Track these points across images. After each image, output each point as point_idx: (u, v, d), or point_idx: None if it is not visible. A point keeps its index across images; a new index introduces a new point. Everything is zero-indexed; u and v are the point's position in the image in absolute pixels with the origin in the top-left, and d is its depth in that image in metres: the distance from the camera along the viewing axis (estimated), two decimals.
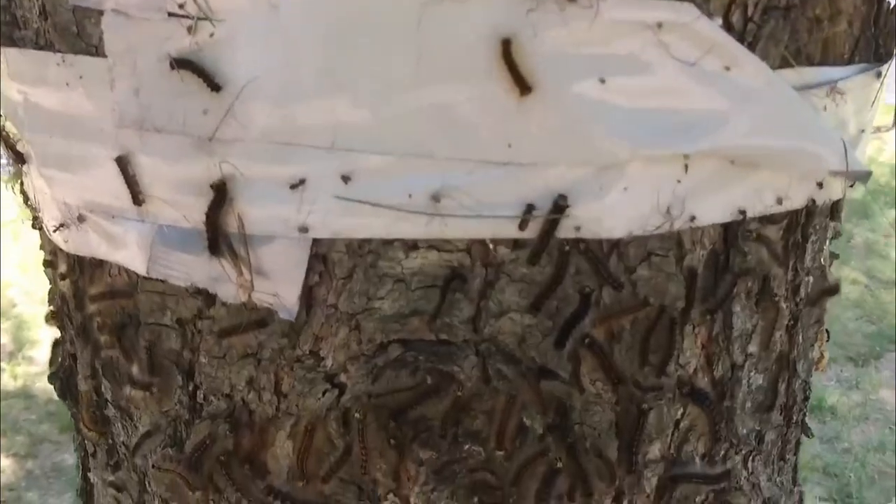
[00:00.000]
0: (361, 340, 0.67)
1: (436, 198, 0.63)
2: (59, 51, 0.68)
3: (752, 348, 0.78)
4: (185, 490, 0.75)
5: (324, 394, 0.69)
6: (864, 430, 3.20)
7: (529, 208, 0.64)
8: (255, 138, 0.63)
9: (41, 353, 3.79)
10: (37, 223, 0.84)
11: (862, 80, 0.75)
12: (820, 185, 0.75)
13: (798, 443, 0.94)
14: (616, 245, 0.67)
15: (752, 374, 0.80)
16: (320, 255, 0.66)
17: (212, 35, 0.61)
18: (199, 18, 0.61)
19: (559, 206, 0.63)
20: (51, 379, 0.93)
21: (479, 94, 0.61)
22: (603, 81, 0.61)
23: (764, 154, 0.68)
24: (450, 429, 0.69)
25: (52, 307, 0.88)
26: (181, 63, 0.62)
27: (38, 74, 0.69)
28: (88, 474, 0.92)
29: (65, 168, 0.71)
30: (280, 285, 0.66)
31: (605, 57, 0.61)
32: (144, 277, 0.70)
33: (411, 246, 0.65)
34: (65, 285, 0.80)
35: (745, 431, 0.81)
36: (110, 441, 0.84)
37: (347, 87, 0.61)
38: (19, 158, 0.75)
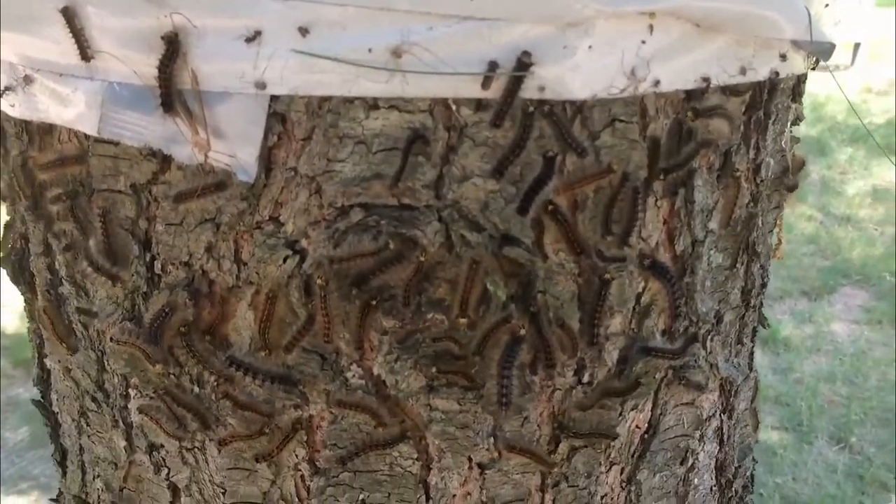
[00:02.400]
0: (322, 205, 0.66)
1: (396, 53, 0.61)
2: None
3: (713, 225, 0.78)
4: (145, 364, 0.74)
5: (284, 260, 0.67)
6: (815, 361, 3.27)
7: (492, 66, 0.62)
8: None
9: None
10: None
11: None
12: (783, 56, 0.74)
13: (755, 329, 0.95)
14: (580, 110, 0.66)
15: (712, 251, 0.80)
16: (279, 115, 0.64)
17: None
18: None
19: (523, 64, 0.62)
20: (3, 263, 0.91)
21: None
22: None
23: (727, 17, 0.67)
24: (413, 297, 0.68)
25: (2, 185, 0.85)
26: None
27: None
28: (45, 360, 0.91)
29: (8, 26, 0.68)
30: (237, 145, 0.64)
31: None
32: (96, 140, 0.68)
33: (372, 105, 0.64)
34: (14, 158, 0.77)
35: (704, 310, 0.81)
36: (66, 321, 0.82)
37: None
38: None
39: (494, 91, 0.63)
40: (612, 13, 0.62)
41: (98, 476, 0.87)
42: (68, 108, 0.67)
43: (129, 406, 0.80)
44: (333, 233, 0.66)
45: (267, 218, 0.67)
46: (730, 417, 0.93)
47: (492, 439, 0.76)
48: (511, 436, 0.76)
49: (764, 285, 0.92)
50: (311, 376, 0.72)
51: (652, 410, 0.83)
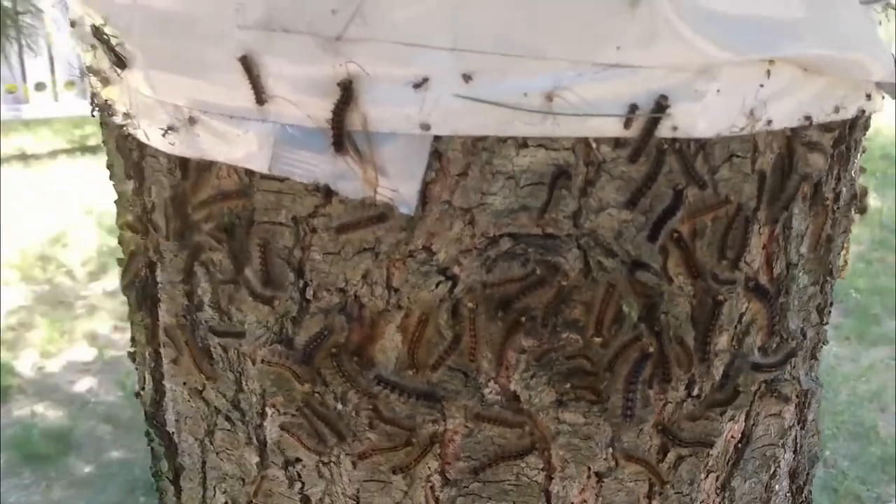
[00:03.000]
0: (474, 234, 0.72)
1: (548, 97, 0.68)
2: None
3: (804, 249, 0.86)
4: (294, 383, 0.79)
5: (437, 285, 0.73)
6: None
7: (633, 108, 0.69)
8: (381, 38, 0.67)
9: None
10: (116, 130, 0.87)
11: None
12: (868, 96, 0.82)
13: (823, 343, 1.02)
14: (703, 146, 0.73)
15: (801, 273, 0.87)
16: (437, 153, 0.70)
17: None
18: None
19: (661, 106, 0.69)
20: (125, 289, 0.96)
21: (595, 1, 0.66)
22: None
23: (831, 62, 0.75)
24: (551, 318, 0.75)
25: (128, 219, 0.91)
26: None
27: None
28: (163, 384, 0.96)
29: (177, 70, 0.74)
30: (400, 181, 0.70)
31: None
32: (262, 177, 0.74)
33: (522, 144, 0.70)
34: (161, 192, 0.83)
35: (793, 327, 0.88)
36: (200, 345, 0.87)
37: None
38: (120, 63, 0.77)
39: (633, 130, 0.70)
40: (738, 60, 0.70)
41: (224, 492, 0.92)
42: (237, 147, 0.73)
43: (264, 424, 0.85)
44: (485, 260, 0.72)
45: (420, 247, 0.73)
46: (802, 428, 1.00)
47: (610, 449, 0.82)
48: (628, 445, 0.82)
49: (831, 303, 0.99)
50: (453, 393, 0.78)
51: (745, 421, 0.89)
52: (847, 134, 0.85)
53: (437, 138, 0.70)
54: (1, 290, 4.07)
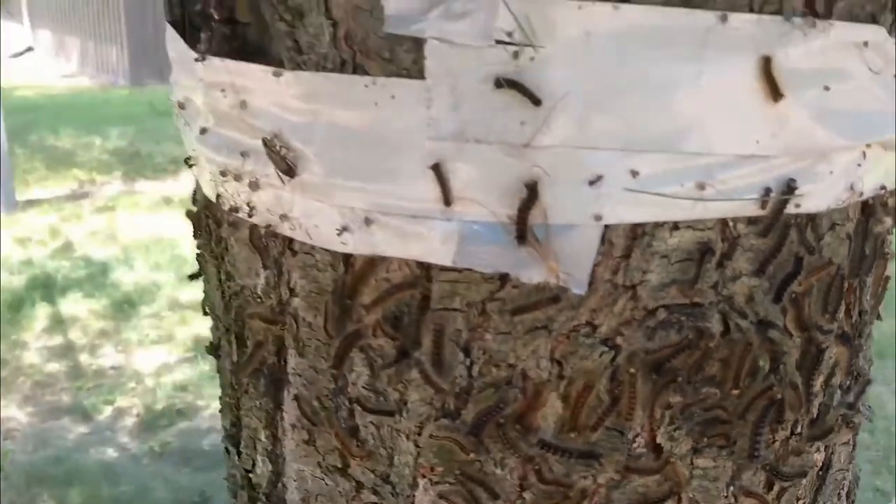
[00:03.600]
0: (636, 307, 0.82)
1: (700, 186, 0.79)
2: (369, 73, 0.78)
3: (869, 297, 0.99)
4: (459, 454, 0.86)
5: (601, 355, 0.82)
6: None
7: (767, 191, 0.81)
8: (563, 144, 0.76)
9: None
10: (249, 229, 0.93)
11: None
12: None
13: None
14: (812, 217, 0.85)
15: (867, 318, 1.00)
16: (604, 238, 0.80)
17: (532, 59, 0.74)
18: (523, 45, 0.74)
19: (790, 188, 0.81)
20: (249, 377, 1.01)
21: (740, 101, 0.77)
22: (827, 89, 0.79)
23: None
24: (694, 376, 0.85)
25: (259, 311, 0.96)
26: (509, 83, 0.74)
27: (341, 95, 0.79)
28: (290, 464, 1.00)
29: (359, 177, 0.80)
30: (573, 266, 0.79)
31: (827, 69, 0.79)
32: (441, 268, 0.81)
33: (674, 226, 0.80)
34: (304, 285, 0.89)
35: (862, 364, 1.01)
36: (343, 425, 0.92)
37: (638, 99, 0.76)
38: (290, 172, 0.83)
39: (767, 209, 0.81)
40: (847, 146, 0.82)
41: None
42: (417, 243, 0.80)
43: (415, 493, 0.92)
44: (646, 330, 0.82)
45: (584, 322, 0.82)
46: (854, 450, 1.13)
47: (731, 487, 0.92)
48: (745, 483, 0.93)
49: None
50: (609, 450, 0.86)
51: (825, 451, 1.01)
52: None
53: (605, 227, 0.79)
54: None
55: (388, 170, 0.79)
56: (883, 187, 0.90)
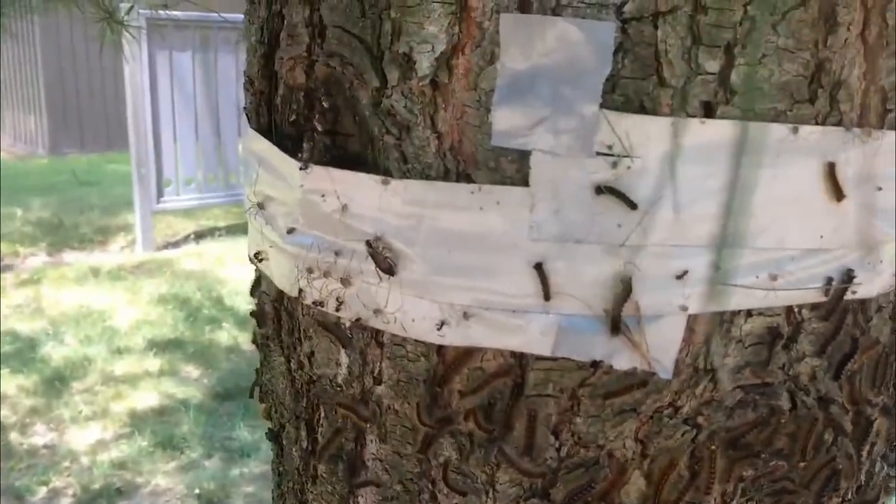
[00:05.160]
0: (715, 389, 0.89)
1: (773, 277, 0.87)
2: (475, 181, 0.85)
3: None
4: None
5: (683, 434, 0.89)
6: None
7: (829, 280, 0.89)
8: (654, 243, 0.84)
9: None
10: (334, 321, 0.98)
11: None
12: None
13: None
14: (863, 302, 0.94)
15: None
16: (686, 326, 0.87)
17: (629, 167, 0.82)
18: (622, 156, 0.82)
19: (849, 278, 0.89)
20: (328, 461, 1.05)
21: (808, 202, 0.86)
22: (880, 189, 0.88)
23: None
24: (764, 450, 0.92)
25: (341, 400, 1.01)
26: (609, 189, 0.82)
27: (447, 201, 0.85)
28: None
29: (462, 275, 0.87)
30: (661, 352, 0.86)
31: (880, 172, 0.88)
32: (537, 357, 0.87)
33: (748, 314, 0.88)
34: (391, 374, 0.94)
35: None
36: None
37: (722, 202, 0.84)
38: (389, 270, 0.89)
39: (827, 296, 0.90)
40: (893, 238, 0.91)
41: None
42: (517, 335, 0.87)
43: None
44: (725, 410, 0.89)
45: (667, 403, 0.89)
46: None
47: None
48: None
49: None
50: None
51: None
52: None
53: (690, 315, 0.86)
54: None
55: (490, 268, 0.86)
56: None
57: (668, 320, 0.86)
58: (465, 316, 0.88)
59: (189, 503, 3.68)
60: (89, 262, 6.98)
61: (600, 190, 0.82)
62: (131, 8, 3.67)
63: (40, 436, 4.28)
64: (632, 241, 0.83)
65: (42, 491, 3.80)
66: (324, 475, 1.07)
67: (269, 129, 1.01)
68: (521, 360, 0.89)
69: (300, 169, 0.93)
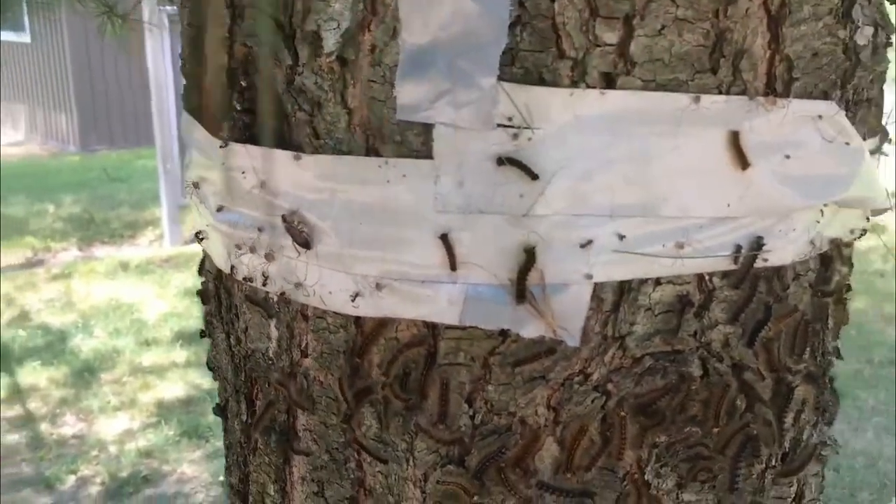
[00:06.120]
0: (624, 356, 0.90)
1: (679, 246, 0.88)
2: (382, 155, 0.86)
3: (830, 339, 1.09)
4: (464, 497, 0.94)
5: (593, 401, 0.91)
6: None
7: (738, 248, 0.90)
8: (557, 212, 0.85)
9: None
10: (262, 296, 1.00)
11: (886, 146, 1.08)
12: (867, 219, 1.07)
13: None
14: (778, 269, 0.95)
15: (830, 357, 1.10)
16: (594, 295, 0.88)
17: (529, 139, 0.83)
18: (522, 127, 0.83)
19: (759, 245, 0.90)
20: (262, 433, 1.07)
21: (713, 170, 0.87)
22: (787, 157, 0.89)
23: (857, 200, 0.99)
24: (677, 417, 0.93)
25: (270, 372, 1.03)
26: (510, 161, 0.83)
27: (356, 175, 0.87)
28: None
29: (372, 248, 0.88)
30: (568, 321, 0.88)
31: (788, 140, 0.89)
32: (447, 327, 0.89)
33: (657, 282, 0.90)
34: (315, 346, 0.96)
35: (828, 400, 1.10)
36: (351, 476, 1.00)
37: (624, 172, 0.85)
38: (306, 245, 0.91)
39: (738, 264, 0.91)
40: (808, 206, 0.92)
41: None
42: (426, 305, 0.89)
43: None
44: (634, 376, 0.91)
45: (577, 371, 0.91)
46: (822, 480, 1.22)
47: None
48: None
49: None
50: (602, 488, 0.94)
51: (797, 483, 1.10)
52: (851, 248, 1.09)
53: (596, 284, 0.88)
54: None
55: (399, 240, 0.88)
56: (838, 240, 1.00)
57: (574, 289, 0.87)
58: (378, 287, 0.90)
59: (214, 490, 3.74)
60: (119, 257, 7.07)
61: (502, 161, 0.84)
62: (139, 1, 3.71)
63: (70, 426, 4.38)
64: (534, 211, 0.85)
65: (71, 479, 3.88)
66: (261, 447, 1.09)
67: (199, 110, 1.03)
68: (433, 330, 0.91)
69: (220, 147, 0.95)
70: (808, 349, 1.03)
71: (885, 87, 1.07)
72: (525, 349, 0.89)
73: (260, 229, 0.96)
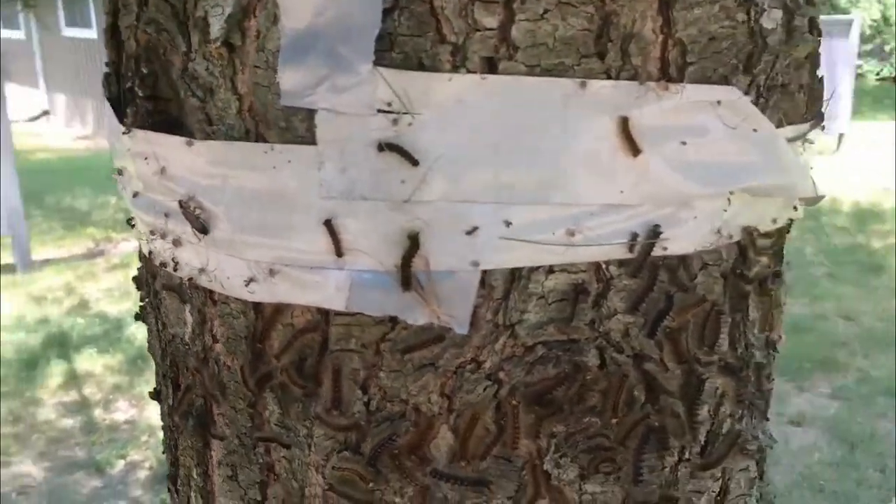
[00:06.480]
0: (516, 345, 0.89)
1: (571, 233, 0.87)
2: (268, 140, 0.87)
3: (756, 331, 1.06)
4: (360, 484, 0.94)
5: (485, 389, 0.90)
6: None
7: (634, 236, 0.89)
8: (441, 199, 0.84)
9: None
10: (177, 282, 1.01)
11: (813, 133, 1.05)
12: (795, 208, 1.04)
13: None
14: (683, 259, 0.93)
15: (756, 351, 1.07)
16: (483, 282, 0.88)
17: (410, 124, 0.83)
18: (402, 113, 0.83)
19: (655, 233, 0.89)
20: (180, 418, 1.09)
21: (603, 157, 0.86)
22: (684, 143, 0.88)
23: (772, 188, 0.96)
24: (575, 407, 0.92)
25: (187, 356, 1.04)
26: (390, 146, 0.83)
27: (245, 161, 0.88)
28: (218, 499, 1.08)
29: (262, 234, 0.89)
30: (455, 307, 0.87)
31: (684, 126, 0.88)
32: (336, 313, 0.89)
33: (549, 270, 0.88)
34: (223, 332, 0.97)
35: (753, 394, 1.08)
36: (260, 461, 1.00)
37: (510, 157, 0.84)
38: (203, 230, 0.92)
39: (635, 252, 0.89)
40: (709, 194, 0.90)
41: None
42: (314, 291, 0.89)
43: None
44: (525, 365, 0.90)
45: (469, 359, 0.90)
46: (761, 479, 1.20)
47: None
48: None
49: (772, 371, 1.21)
50: (498, 477, 0.94)
51: (721, 477, 1.08)
52: (780, 238, 1.07)
53: (484, 271, 0.87)
54: None
55: (287, 226, 0.88)
56: (756, 230, 0.98)
57: (460, 276, 0.87)
58: (271, 273, 0.90)
59: None
60: None
61: (382, 147, 0.83)
62: None
63: (122, 412, 4.52)
64: (417, 197, 0.84)
65: (120, 464, 4.01)
66: (184, 431, 1.10)
67: (118, 98, 1.04)
68: (325, 316, 0.91)
69: (123, 133, 0.96)
70: (726, 341, 1.01)
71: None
72: (414, 336, 0.89)
73: (166, 215, 0.97)
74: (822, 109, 1.12)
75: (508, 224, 0.86)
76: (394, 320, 0.89)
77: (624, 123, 0.85)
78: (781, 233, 1.05)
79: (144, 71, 0.95)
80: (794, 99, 1.00)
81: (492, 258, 0.86)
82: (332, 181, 0.85)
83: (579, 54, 0.84)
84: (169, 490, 1.21)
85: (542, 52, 0.83)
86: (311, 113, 0.85)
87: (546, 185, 0.85)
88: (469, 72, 0.83)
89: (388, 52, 0.82)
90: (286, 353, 0.93)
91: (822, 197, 1.07)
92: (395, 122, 0.83)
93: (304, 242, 0.88)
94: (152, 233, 1.01)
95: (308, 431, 0.96)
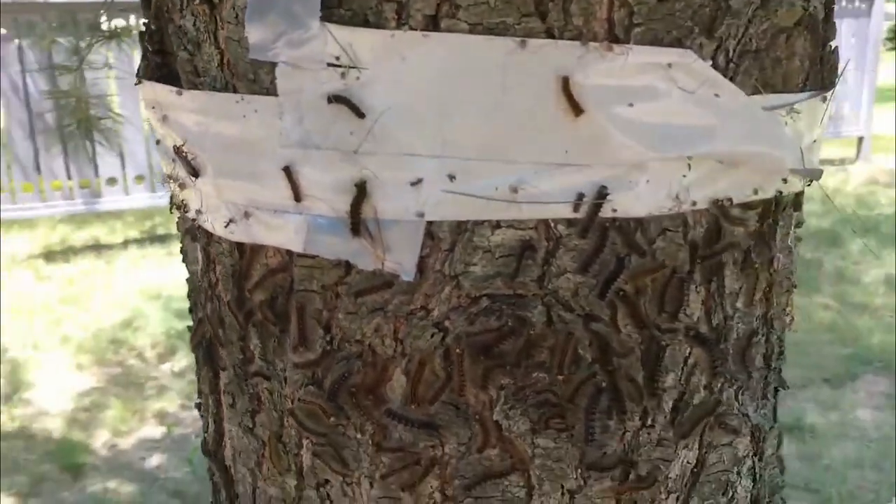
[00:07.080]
0: (461, 295, 0.93)
1: (514, 190, 0.90)
2: (239, 91, 0.95)
3: (739, 305, 1.05)
4: (323, 418, 1.00)
5: (432, 336, 0.94)
6: (843, 448, 3.41)
7: (580, 196, 0.90)
8: (387, 151, 0.89)
9: (37, 394, 4.12)
10: (189, 223, 1.11)
11: (811, 104, 1.02)
12: (785, 180, 1.02)
13: (777, 388, 1.20)
14: (641, 223, 0.94)
15: (739, 325, 1.06)
16: (430, 233, 0.92)
17: (357, 78, 0.88)
18: (349, 67, 0.88)
19: (602, 194, 0.90)
20: (194, 349, 1.19)
21: (545, 116, 0.88)
22: (631, 105, 0.88)
23: (743, 157, 0.95)
24: (523, 361, 0.95)
25: (200, 291, 1.14)
26: (337, 98, 0.89)
27: (221, 110, 0.96)
28: (223, 424, 1.17)
29: (237, 177, 0.97)
30: (402, 256, 0.92)
31: (632, 88, 0.88)
32: (299, 255, 0.96)
33: (496, 225, 0.92)
34: (220, 269, 1.06)
35: (734, 369, 1.07)
36: (250, 391, 1.09)
37: (453, 113, 0.88)
38: (194, 172, 1.01)
39: (582, 213, 0.91)
40: (661, 157, 0.91)
41: None
42: (280, 233, 0.96)
43: (301, 453, 1.06)
44: (469, 315, 0.93)
45: (419, 306, 0.94)
46: (760, 459, 1.17)
47: (579, 470, 1.01)
48: (595, 466, 1.01)
49: (781, 352, 1.18)
50: (447, 422, 0.98)
51: (699, 449, 1.07)
52: (772, 210, 1.04)
53: (429, 222, 0.91)
54: (76, 373, 4.36)
55: (256, 172, 0.95)
56: (729, 199, 0.97)
57: (406, 225, 0.91)
58: (246, 215, 0.98)
59: None
60: None
61: (331, 99, 0.89)
62: None
63: None
64: (364, 148, 0.90)
65: None
66: (199, 360, 1.21)
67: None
68: (292, 258, 0.98)
69: (135, 84, 1.07)
70: (699, 310, 1.00)
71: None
72: (365, 280, 0.95)
73: (173, 160, 1.07)
74: (835, 81, 1.09)
75: (452, 178, 0.89)
76: (349, 264, 0.95)
77: (565, 83, 0.87)
78: (768, 204, 1.02)
79: (153, 27, 1.05)
80: (779, 67, 0.98)
81: (436, 210, 0.90)
82: (291, 131, 0.92)
83: (520, 13, 0.86)
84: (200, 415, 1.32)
85: (484, 10, 0.86)
86: (274, 66, 0.92)
87: (487, 142, 0.89)
88: (412, 29, 0.87)
89: (337, 8, 0.88)
90: (258, 291, 1.01)
91: (820, 171, 1.04)
92: (343, 75, 0.89)
93: (269, 187, 0.95)
94: (169, 176, 1.11)
95: (283, 366, 1.03)
